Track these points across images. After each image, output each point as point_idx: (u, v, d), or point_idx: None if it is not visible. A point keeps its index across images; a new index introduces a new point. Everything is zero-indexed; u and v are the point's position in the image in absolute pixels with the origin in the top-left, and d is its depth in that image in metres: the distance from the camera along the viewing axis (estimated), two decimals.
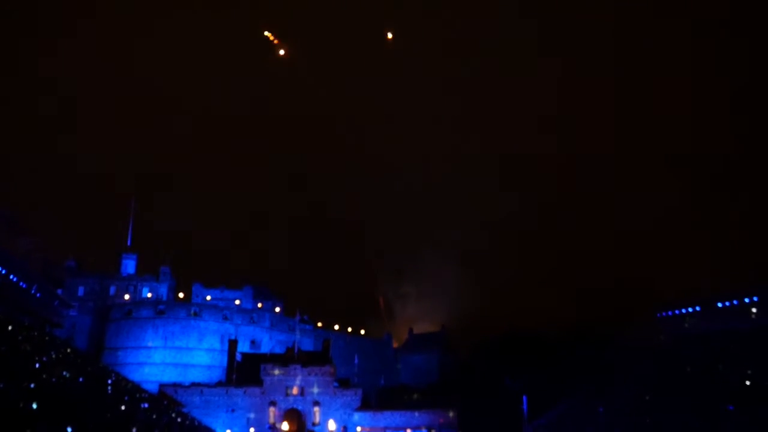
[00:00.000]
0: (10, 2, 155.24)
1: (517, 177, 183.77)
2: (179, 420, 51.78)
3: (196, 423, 62.95)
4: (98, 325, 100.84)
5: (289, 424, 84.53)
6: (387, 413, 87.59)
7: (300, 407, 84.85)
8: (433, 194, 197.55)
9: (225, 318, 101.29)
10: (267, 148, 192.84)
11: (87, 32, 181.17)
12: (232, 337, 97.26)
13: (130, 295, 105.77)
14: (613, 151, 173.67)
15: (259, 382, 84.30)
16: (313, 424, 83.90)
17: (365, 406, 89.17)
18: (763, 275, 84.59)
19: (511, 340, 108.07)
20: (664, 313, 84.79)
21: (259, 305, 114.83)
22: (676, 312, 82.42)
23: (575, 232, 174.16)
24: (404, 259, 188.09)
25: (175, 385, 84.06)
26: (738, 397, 53.79)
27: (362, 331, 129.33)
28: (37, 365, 31.74)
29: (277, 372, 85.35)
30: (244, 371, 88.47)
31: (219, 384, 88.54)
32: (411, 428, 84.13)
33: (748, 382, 58.65)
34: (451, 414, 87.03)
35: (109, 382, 49.02)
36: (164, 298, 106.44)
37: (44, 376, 28.90)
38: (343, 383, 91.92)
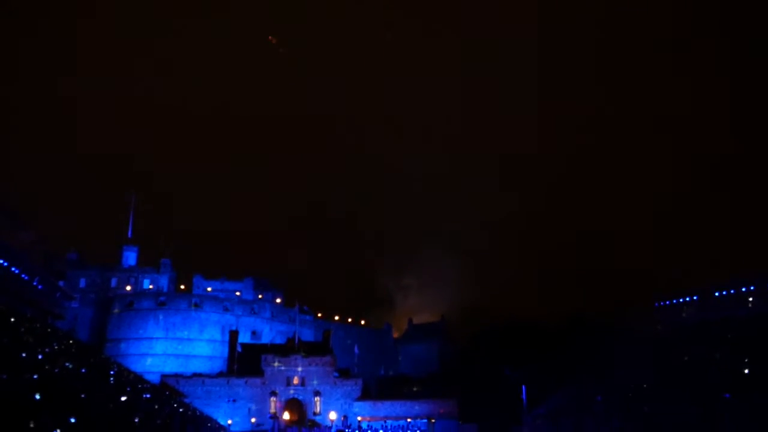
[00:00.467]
0: None
1: (517, 167, 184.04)
2: (181, 410, 52.13)
3: (198, 413, 63.31)
4: (100, 316, 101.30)
5: (290, 413, 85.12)
6: (387, 403, 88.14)
7: (301, 397, 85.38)
8: (434, 189, 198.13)
9: (226, 309, 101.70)
10: (267, 146, 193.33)
11: (89, 32, 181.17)
12: (233, 328, 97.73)
13: (131, 286, 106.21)
14: (612, 141, 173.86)
15: (260, 373, 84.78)
16: (314, 414, 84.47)
17: (365, 395, 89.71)
18: (761, 264, 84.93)
19: (510, 330, 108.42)
20: (661, 303, 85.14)
21: (260, 296, 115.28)
22: (674, 301, 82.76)
23: (575, 223, 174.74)
24: (405, 252, 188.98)
25: (177, 376, 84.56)
26: (735, 386, 54.09)
27: (362, 322, 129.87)
28: (39, 357, 32.04)
29: (277, 362, 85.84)
30: (245, 362, 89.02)
31: (220, 374, 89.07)
32: (411, 418, 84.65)
33: (746, 371, 58.95)
34: (450, 403, 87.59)
35: (112, 373, 49.34)
36: (165, 290, 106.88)
37: (47, 367, 29.18)
38: (344, 373, 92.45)
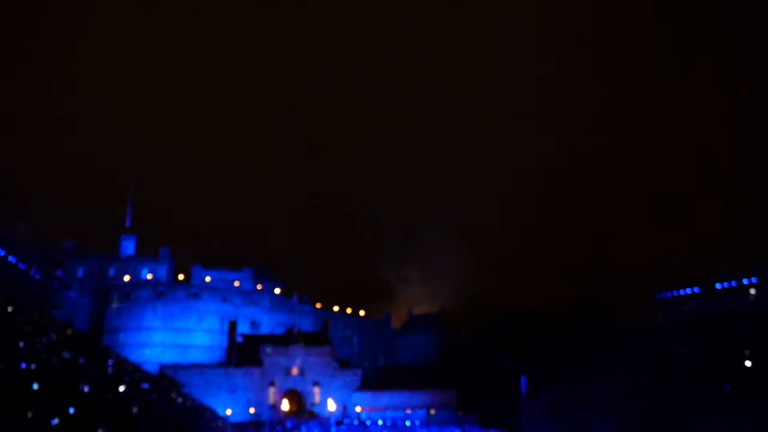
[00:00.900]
0: None
1: (518, 160, 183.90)
2: (180, 400, 51.98)
3: (197, 403, 63.20)
4: (98, 306, 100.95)
5: (289, 404, 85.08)
6: (386, 393, 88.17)
7: (300, 387, 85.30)
8: (434, 178, 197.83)
9: (224, 299, 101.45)
10: (266, 134, 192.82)
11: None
12: (232, 318, 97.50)
13: (129, 276, 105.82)
14: (613, 132, 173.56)
15: (258, 363, 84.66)
16: (313, 404, 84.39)
17: (365, 386, 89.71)
18: (762, 256, 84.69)
19: (510, 321, 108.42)
20: (662, 295, 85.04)
21: (259, 286, 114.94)
22: (675, 293, 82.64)
23: (575, 216, 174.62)
24: (406, 242, 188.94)
25: (176, 366, 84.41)
26: (736, 378, 54.01)
27: (361, 313, 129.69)
28: (38, 346, 31.78)
29: (276, 353, 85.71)
30: (244, 352, 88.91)
31: (219, 365, 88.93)
32: (410, 408, 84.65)
33: (748, 363, 58.84)
34: (450, 394, 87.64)
35: (110, 363, 49.13)
36: (164, 280, 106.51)
37: (45, 357, 28.93)
38: (343, 364, 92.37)
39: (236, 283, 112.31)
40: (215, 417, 62.18)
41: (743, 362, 59.11)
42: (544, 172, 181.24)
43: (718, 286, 74.95)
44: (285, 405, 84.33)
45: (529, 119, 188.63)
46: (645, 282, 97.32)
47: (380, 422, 76.60)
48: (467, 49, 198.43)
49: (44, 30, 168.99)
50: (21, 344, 29.64)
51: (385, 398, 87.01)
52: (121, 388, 33.17)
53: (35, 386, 18.67)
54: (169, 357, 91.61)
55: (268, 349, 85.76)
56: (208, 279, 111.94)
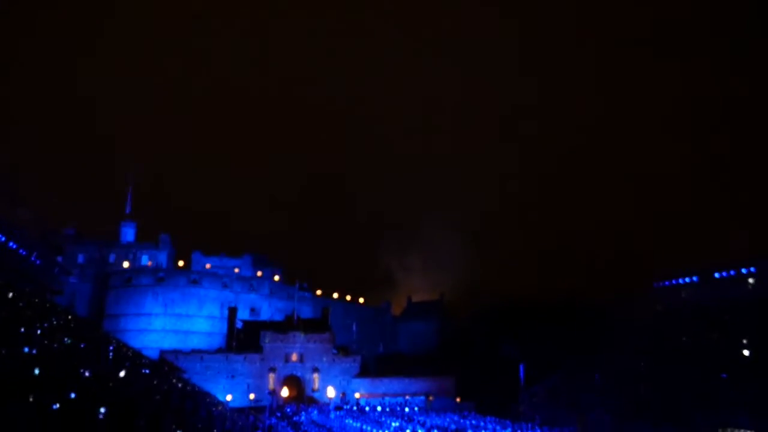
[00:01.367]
0: None
1: (519, 151, 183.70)
2: (180, 385, 52.28)
3: (197, 388, 63.54)
4: (98, 292, 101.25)
5: (288, 390, 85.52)
6: (385, 380, 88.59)
7: (299, 374, 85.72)
8: (434, 166, 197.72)
9: (224, 285, 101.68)
10: (266, 122, 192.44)
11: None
12: (232, 305, 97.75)
13: (129, 262, 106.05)
14: (612, 122, 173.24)
15: (258, 349, 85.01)
16: (313, 390, 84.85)
17: (364, 373, 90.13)
18: (761, 246, 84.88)
19: (509, 310, 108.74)
20: (660, 283, 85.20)
21: (259, 273, 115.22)
22: (673, 282, 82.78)
23: (575, 205, 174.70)
24: (406, 231, 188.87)
25: (176, 352, 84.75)
26: (733, 367, 54.31)
27: (361, 300, 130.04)
28: (38, 332, 31.94)
29: (276, 339, 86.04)
30: (243, 338, 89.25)
31: (219, 351, 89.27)
32: (409, 395, 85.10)
33: (746, 352, 59.15)
34: (449, 381, 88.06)
35: (111, 348, 49.36)
36: (164, 266, 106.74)
37: (46, 342, 29.09)
38: (342, 350, 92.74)
39: (236, 270, 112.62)
40: (215, 402, 62.50)
41: (741, 352, 59.43)
42: (543, 163, 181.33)
43: (716, 275, 75.04)
44: (285, 391, 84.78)
45: (529, 111, 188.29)
46: (643, 271, 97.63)
47: (379, 408, 77.03)
48: (467, 44, 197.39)
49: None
50: (22, 330, 29.81)
51: (384, 384, 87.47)
52: (122, 374, 33.37)
53: (36, 371, 18.82)
54: (170, 343, 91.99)
55: (268, 336, 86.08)
56: (208, 265, 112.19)
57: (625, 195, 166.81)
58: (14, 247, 59.36)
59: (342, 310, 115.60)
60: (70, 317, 55.45)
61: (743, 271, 71.58)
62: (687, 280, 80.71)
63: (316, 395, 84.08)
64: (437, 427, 56.48)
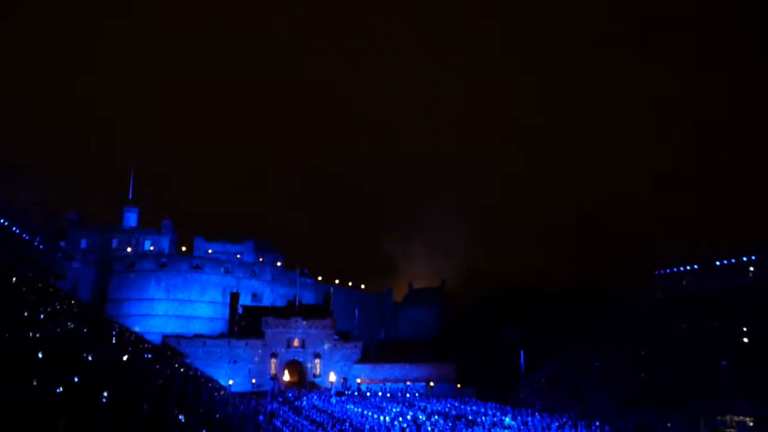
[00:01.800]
0: None
1: (520, 139, 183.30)
2: (182, 370, 52.61)
3: (199, 373, 63.93)
4: (101, 277, 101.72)
5: (290, 375, 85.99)
6: (386, 366, 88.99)
7: (301, 359, 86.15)
8: (436, 152, 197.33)
9: (227, 271, 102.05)
10: (268, 107, 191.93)
11: None
12: (234, 290, 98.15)
13: (132, 247, 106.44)
14: (613, 109, 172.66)
15: (260, 335, 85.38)
16: (314, 376, 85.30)
17: (365, 359, 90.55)
18: (762, 234, 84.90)
19: (510, 296, 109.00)
20: (661, 271, 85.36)
21: (261, 259, 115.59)
22: (674, 270, 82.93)
23: (576, 193, 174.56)
24: (408, 217, 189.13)
25: (178, 337, 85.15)
26: (733, 354, 54.51)
27: (362, 286, 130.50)
28: (41, 316, 32.16)
29: (278, 325, 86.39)
30: (245, 324, 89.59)
31: (221, 336, 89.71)
32: (410, 381, 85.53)
33: (745, 339, 59.35)
34: (449, 367, 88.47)
35: (113, 333, 49.68)
36: (166, 251, 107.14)
37: (49, 326, 29.30)
38: (344, 336, 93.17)
39: (238, 256, 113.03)
40: (218, 387, 62.90)
41: (741, 339, 59.63)
42: (544, 152, 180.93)
43: (717, 263, 75.16)
44: (286, 376, 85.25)
45: (530, 99, 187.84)
46: (644, 258, 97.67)
47: (380, 394, 77.47)
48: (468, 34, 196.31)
49: None
50: (25, 314, 30.03)
51: (385, 370, 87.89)
52: (125, 358, 33.64)
53: (40, 355, 19.00)
54: (172, 328, 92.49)
55: (270, 321, 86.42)
56: (210, 251, 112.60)
57: (625, 184, 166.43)
58: (17, 231, 59.57)
59: (343, 296, 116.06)
60: (73, 302, 55.73)
61: (744, 258, 71.70)
62: (688, 267, 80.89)
63: (317, 381, 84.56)
64: (438, 413, 56.79)
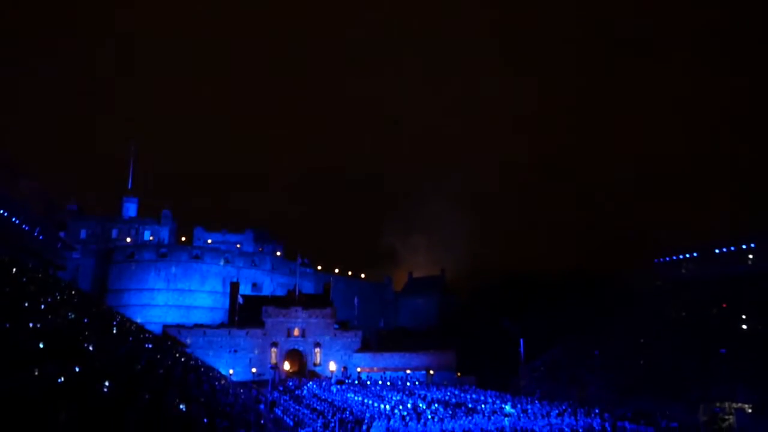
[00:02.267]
0: None
1: (521, 130, 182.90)
2: (183, 360, 52.75)
3: (200, 362, 64.12)
4: (101, 267, 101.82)
5: (290, 364, 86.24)
6: (386, 355, 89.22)
7: (301, 348, 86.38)
8: (439, 141, 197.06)
9: (226, 261, 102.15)
10: (269, 96, 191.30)
11: None
12: (234, 280, 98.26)
13: (131, 238, 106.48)
14: (614, 98, 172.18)
15: (260, 324, 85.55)
16: (314, 365, 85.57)
17: (365, 347, 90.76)
18: (761, 222, 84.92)
19: (510, 285, 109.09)
20: (661, 259, 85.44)
21: (260, 249, 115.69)
22: (674, 258, 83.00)
23: (577, 183, 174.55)
24: (408, 207, 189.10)
25: (179, 326, 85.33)
26: (731, 342, 54.67)
27: (362, 275, 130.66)
28: (42, 306, 32.22)
29: (278, 314, 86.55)
30: (245, 313, 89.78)
31: (221, 325, 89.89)
32: (410, 369, 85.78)
33: (744, 327, 59.52)
34: (449, 356, 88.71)
35: (114, 323, 49.77)
36: (166, 242, 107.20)
37: (50, 316, 29.36)
38: (344, 325, 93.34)
39: (238, 245, 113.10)
40: (218, 376, 63.08)
41: (739, 326, 59.80)
42: (545, 142, 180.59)
43: (716, 250, 75.23)
44: (287, 365, 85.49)
45: (531, 88, 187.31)
46: (644, 247, 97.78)
47: (380, 382, 77.71)
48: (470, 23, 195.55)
49: None
50: (26, 304, 30.08)
51: (385, 359, 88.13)
52: (125, 348, 33.72)
53: (41, 345, 19.05)
54: (172, 318, 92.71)
55: (270, 311, 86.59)
56: (209, 241, 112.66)
57: (625, 173, 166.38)
58: (17, 222, 59.56)
59: (343, 285, 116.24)
60: (73, 292, 55.81)
61: (743, 246, 71.79)
62: (687, 255, 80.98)
63: (317, 369, 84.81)
64: (438, 401, 56.97)
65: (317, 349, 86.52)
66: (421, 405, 53.69)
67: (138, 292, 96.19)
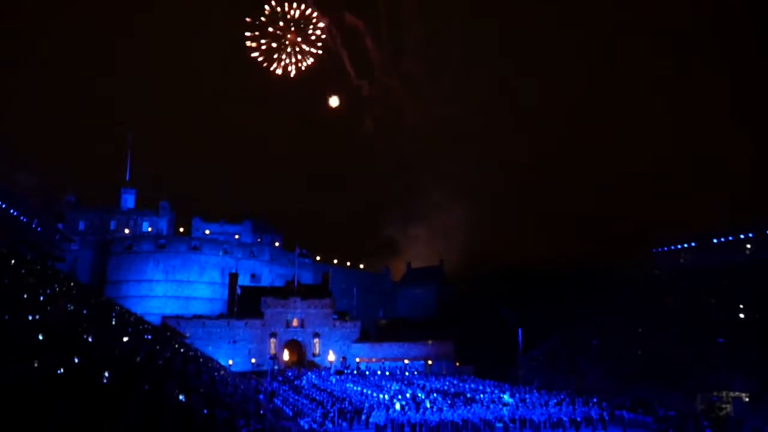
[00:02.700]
0: None
1: (520, 121, 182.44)
2: (182, 350, 52.84)
3: (199, 353, 64.23)
4: (100, 259, 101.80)
5: (289, 354, 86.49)
6: (385, 345, 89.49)
7: (300, 339, 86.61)
8: (440, 131, 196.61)
9: (225, 252, 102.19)
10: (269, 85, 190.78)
11: None
12: (233, 271, 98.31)
13: (130, 229, 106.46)
14: (612, 90, 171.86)
15: (259, 315, 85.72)
16: (313, 355, 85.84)
17: (364, 338, 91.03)
18: (760, 211, 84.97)
19: (508, 275, 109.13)
20: (660, 248, 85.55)
21: (259, 239, 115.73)
22: (672, 247, 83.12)
23: (577, 173, 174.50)
24: (408, 198, 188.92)
25: (178, 317, 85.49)
26: (729, 331, 54.80)
27: (361, 266, 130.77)
28: (41, 298, 32.24)
29: (277, 305, 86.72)
30: (244, 304, 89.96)
31: (220, 316, 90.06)
32: (409, 359, 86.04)
33: (741, 316, 59.69)
34: (448, 345, 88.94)
35: (113, 314, 49.82)
36: (164, 233, 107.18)
37: (49, 308, 29.39)
38: (342, 316, 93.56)
39: (236, 236, 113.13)
40: (218, 367, 63.21)
41: (737, 315, 59.97)
42: (545, 132, 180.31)
43: (715, 240, 75.36)
44: (286, 355, 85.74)
45: (531, 78, 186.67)
46: (643, 237, 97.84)
47: (379, 372, 77.94)
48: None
49: None
50: (24, 296, 30.10)
51: (383, 349, 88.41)
52: (125, 339, 33.74)
53: (40, 336, 19.08)
54: (171, 309, 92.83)
55: (269, 301, 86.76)
56: (208, 232, 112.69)
57: (625, 162, 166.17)
58: (15, 214, 59.52)
59: (342, 275, 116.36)
60: (72, 284, 55.84)
61: (741, 236, 71.91)
62: (686, 245, 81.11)
63: (316, 360, 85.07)
64: (437, 391, 57.20)
65: (316, 340, 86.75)
66: (419, 395, 53.90)
67: (137, 283, 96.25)
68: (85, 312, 36.96)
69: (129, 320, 54.91)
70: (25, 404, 11.69)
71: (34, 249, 65.18)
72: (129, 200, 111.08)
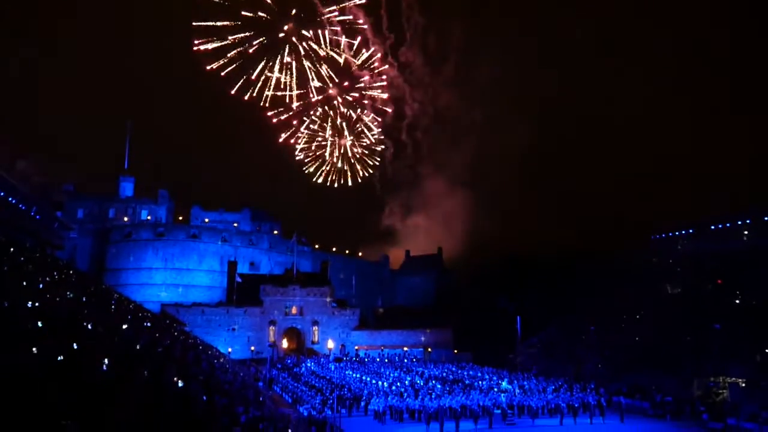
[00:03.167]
0: None
1: (522, 110, 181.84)
2: (182, 338, 52.99)
3: (198, 341, 64.42)
4: (99, 247, 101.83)
5: (288, 342, 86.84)
6: (384, 332, 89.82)
7: (299, 326, 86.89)
8: (440, 121, 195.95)
9: (224, 240, 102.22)
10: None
11: None
12: (232, 259, 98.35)
13: (128, 217, 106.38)
14: (614, 79, 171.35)
15: (258, 303, 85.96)
16: (312, 343, 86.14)
17: (363, 325, 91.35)
18: (757, 198, 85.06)
19: (507, 264, 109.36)
20: (657, 235, 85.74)
21: (258, 228, 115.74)
22: (670, 234, 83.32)
23: (578, 164, 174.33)
24: (408, 187, 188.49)
25: (177, 305, 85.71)
26: (726, 317, 55.04)
27: (360, 254, 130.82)
28: (40, 286, 32.30)
29: (276, 293, 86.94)
30: (243, 292, 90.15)
31: (220, 304, 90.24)
32: (407, 346, 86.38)
33: (737, 302, 59.95)
34: (446, 333, 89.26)
35: (112, 302, 49.92)
36: (163, 221, 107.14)
37: (48, 296, 29.45)
38: (341, 304, 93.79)
39: (235, 224, 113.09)
40: (217, 354, 63.42)
41: (734, 301, 60.24)
42: (544, 124, 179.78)
43: (712, 227, 75.54)
44: (285, 343, 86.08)
45: (531, 69, 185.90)
46: (641, 224, 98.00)
47: (378, 360, 78.29)
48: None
49: None
50: (24, 284, 30.17)
51: (382, 337, 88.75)
52: (124, 326, 33.84)
53: (39, 324, 19.15)
54: (170, 296, 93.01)
55: (268, 289, 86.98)
56: (207, 220, 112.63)
57: (624, 152, 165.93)
58: (14, 202, 59.46)
59: (341, 263, 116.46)
60: (71, 272, 55.93)
61: (738, 222, 72.06)
62: (683, 231, 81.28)
63: (315, 347, 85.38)
64: (435, 378, 57.49)
65: (315, 327, 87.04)
66: (418, 382, 54.20)
67: (136, 271, 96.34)
68: (84, 300, 37.07)
69: (128, 308, 55.02)
70: (25, 391, 11.78)
71: (32, 237, 65.22)
72: (127, 188, 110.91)
